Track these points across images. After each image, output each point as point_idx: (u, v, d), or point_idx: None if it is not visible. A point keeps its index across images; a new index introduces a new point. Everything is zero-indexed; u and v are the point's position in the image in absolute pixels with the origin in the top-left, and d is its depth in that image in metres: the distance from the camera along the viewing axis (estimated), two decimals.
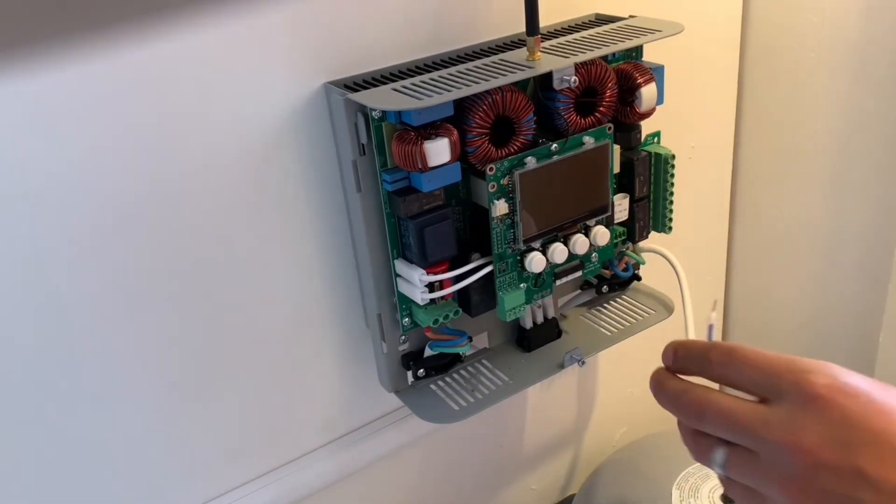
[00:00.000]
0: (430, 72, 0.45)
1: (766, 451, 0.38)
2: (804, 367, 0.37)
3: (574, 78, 0.45)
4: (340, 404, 0.57)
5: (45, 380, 0.44)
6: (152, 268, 0.45)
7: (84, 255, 0.42)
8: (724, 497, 0.64)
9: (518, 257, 0.49)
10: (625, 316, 0.59)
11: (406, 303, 0.49)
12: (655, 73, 0.51)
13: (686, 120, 0.66)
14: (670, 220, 0.56)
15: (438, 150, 0.43)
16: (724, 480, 0.41)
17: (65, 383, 0.45)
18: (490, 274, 0.48)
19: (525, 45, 0.45)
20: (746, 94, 0.72)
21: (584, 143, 0.48)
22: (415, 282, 0.47)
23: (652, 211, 0.56)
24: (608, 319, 0.59)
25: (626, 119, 0.51)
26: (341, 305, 0.53)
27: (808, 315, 0.78)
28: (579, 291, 0.60)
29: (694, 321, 0.58)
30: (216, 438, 0.52)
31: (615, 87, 0.49)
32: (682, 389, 0.42)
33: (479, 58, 0.47)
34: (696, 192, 0.67)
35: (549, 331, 0.57)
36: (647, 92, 0.50)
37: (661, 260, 0.62)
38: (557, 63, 0.45)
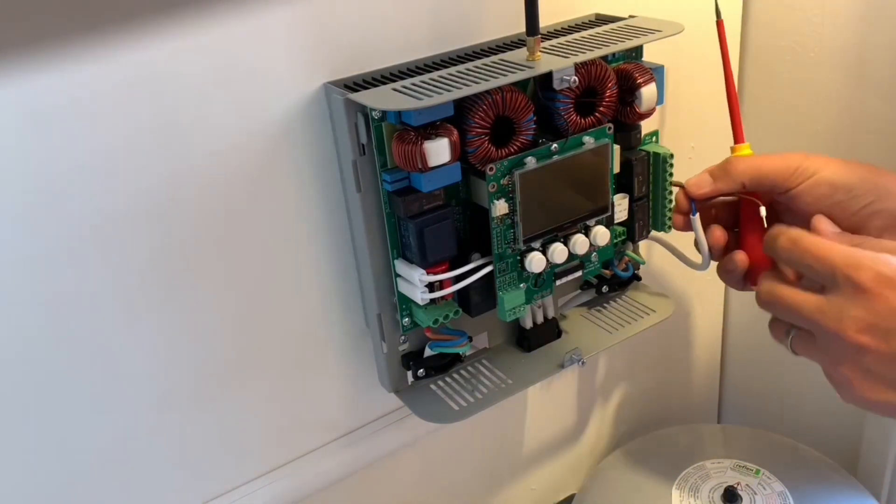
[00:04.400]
0: (430, 72, 0.45)
1: (820, 335, 0.43)
2: (856, 261, 0.42)
3: (574, 78, 0.45)
4: (340, 404, 0.57)
5: (47, 378, 0.44)
6: (151, 268, 0.45)
7: (82, 256, 0.42)
8: (725, 497, 0.64)
9: (518, 257, 0.49)
10: (625, 316, 0.59)
11: (406, 303, 0.49)
12: (655, 73, 0.51)
13: (686, 120, 0.66)
14: (670, 218, 0.56)
15: (438, 150, 0.43)
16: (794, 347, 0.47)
17: (66, 381, 0.45)
18: (490, 274, 0.48)
19: (525, 45, 0.45)
20: (746, 94, 0.72)
21: (584, 143, 0.48)
22: (415, 282, 0.47)
23: (651, 210, 0.56)
24: (608, 319, 0.59)
25: (626, 119, 0.51)
26: (341, 305, 0.53)
27: None
28: (579, 291, 0.60)
29: None
30: (216, 438, 0.52)
31: (615, 87, 0.49)
32: (762, 285, 0.47)
33: (479, 58, 0.47)
34: None
35: (549, 331, 0.57)
36: (647, 92, 0.50)
37: (661, 259, 0.62)
38: (557, 63, 0.45)
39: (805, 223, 0.50)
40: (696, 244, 0.52)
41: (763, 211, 0.50)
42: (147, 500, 0.51)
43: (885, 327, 0.41)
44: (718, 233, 0.52)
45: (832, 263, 0.42)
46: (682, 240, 0.56)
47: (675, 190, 0.53)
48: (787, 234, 0.46)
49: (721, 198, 0.53)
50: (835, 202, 0.47)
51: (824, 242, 0.44)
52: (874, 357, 0.42)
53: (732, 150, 0.52)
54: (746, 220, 0.52)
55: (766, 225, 0.51)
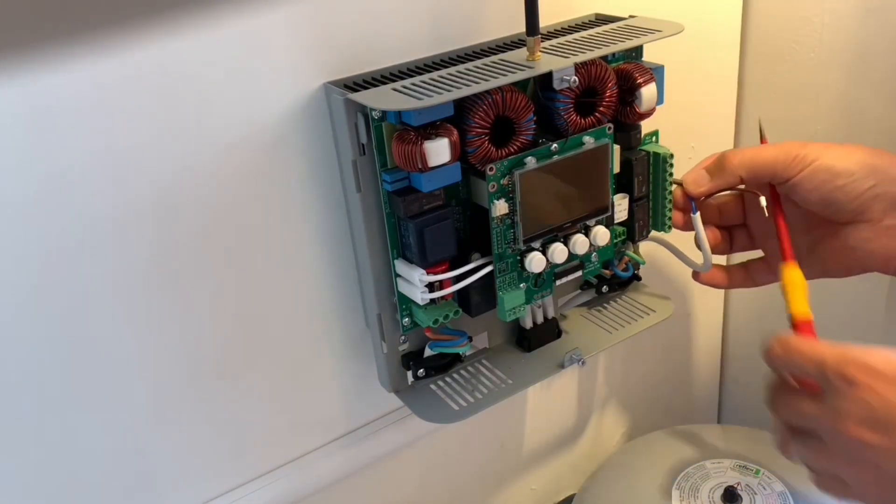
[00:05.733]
0: (430, 72, 0.45)
1: (827, 438, 0.42)
2: (844, 357, 0.41)
3: (574, 78, 0.45)
4: (340, 404, 0.57)
5: (45, 378, 0.44)
6: (150, 268, 0.45)
7: (81, 256, 0.42)
8: (725, 497, 0.64)
9: (518, 257, 0.49)
10: (625, 316, 0.59)
11: (406, 303, 0.49)
12: (655, 73, 0.51)
13: (686, 120, 0.66)
14: (670, 218, 0.56)
15: (438, 150, 0.43)
16: (814, 478, 0.45)
17: (65, 381, 0.45)
18: (490, 274, 0.48)
19: (525, 45, 0.45)
20: (746, 94, 0.72)
21: (584, 143, 0.48)
22: (415, 282, 0.47)
23: (651, 210, 0.56)
24: (608, 319, 0.59)
25: (626, 119, 0.51)
26: (341, 305, 0.53)
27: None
28: (579, 291, 0.60)
29: None
30: (216, 438, 0.52)
31: (615, 87, 0.49)
32: (769, 388, 0.46)
33: (479, 58, 0.47)
34: None
35: (549, 331, 0.57)
36: (647, 92, 0.50)
37: (661, 259, 0.62)
38: (557, 63, 0.45)
39: (805, 213, 0.49)
40: (698, 243, 0.52)
41: (763, 201, 0.50)
42: (147, 500, 0.51)
43: (884, 420, 0.40)
44: (715, 233, 0.52)
45: (823, 362, 0.42)
46: (683, 240, 0.56)
47: (674, 188, 0.53)
48: (779, 341, 0.45)
49: (723, 193, 0.53)
50: (836, 187, 0.46)
51: (814, 344, 0.43)
52: (879, 453, 0.40)
53: (783, 268, 0.49)
54: (750, 210, 0.52)
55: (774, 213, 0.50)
